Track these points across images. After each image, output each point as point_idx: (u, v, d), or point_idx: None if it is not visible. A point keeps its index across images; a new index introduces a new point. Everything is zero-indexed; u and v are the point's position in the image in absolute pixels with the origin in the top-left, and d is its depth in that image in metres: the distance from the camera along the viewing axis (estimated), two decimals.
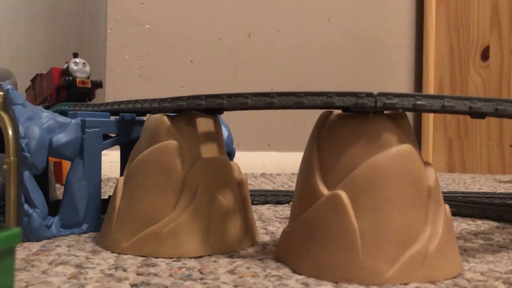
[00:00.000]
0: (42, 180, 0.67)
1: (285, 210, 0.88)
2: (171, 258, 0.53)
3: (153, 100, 0.61)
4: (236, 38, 1.76)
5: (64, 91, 0.89)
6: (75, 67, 0.92)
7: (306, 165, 0.52)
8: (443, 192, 0.93)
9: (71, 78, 0.89)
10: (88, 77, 0.93)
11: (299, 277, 0.47)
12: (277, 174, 1.68)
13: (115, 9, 1.56)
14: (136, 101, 0.64)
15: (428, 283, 0.45)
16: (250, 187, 1.23)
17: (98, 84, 0.93)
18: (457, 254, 0.50)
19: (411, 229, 0.46)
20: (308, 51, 1.91)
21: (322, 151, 0.51)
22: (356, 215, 0.46)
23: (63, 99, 0.91)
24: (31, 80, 1.06)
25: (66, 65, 0.94)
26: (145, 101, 0.62)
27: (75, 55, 0.95)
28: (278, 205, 0.94)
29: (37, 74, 1.01)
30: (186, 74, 1.69)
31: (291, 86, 1.84)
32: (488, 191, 1.25)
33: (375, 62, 2.04)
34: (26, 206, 0.60)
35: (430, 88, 2.07)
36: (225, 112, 0.64)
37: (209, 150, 0.58)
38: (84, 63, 0.93)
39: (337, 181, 0.48)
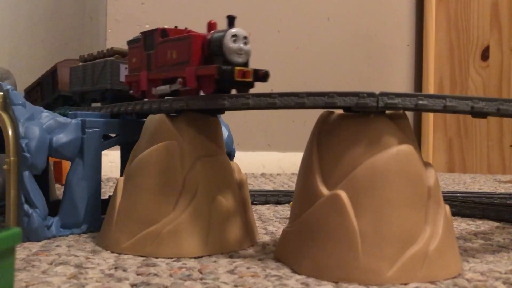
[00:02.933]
0: (42, 180, 0.67)
1: (285, 210, 0.88)
2: (171, 258, 0.53)
3: (154, 101, 0.61)
4: None
5: (213, 84, 0.56)
6: (233, 45, 0.55)
7: (306, 165, 0.52)
8: (443, 192, 0.93)
9: (229, 68, 0.54)
10: (247, 63, 0.57)
11: (299, 277, 0.47)
12: (277, 174, 1.68)
13: (115, 9, 1.56)
14: (137, 103, 0.64)
15: (428, 283, 0.45)
16: (250, 187, 1.23)
17: (263, 77, 0.57)
18: (457, 254, 0.50)
19: (411, 229, 0.46)
20: (308, 51, 1.91)
21: (322, 151, 0.51)
22: (356, 215, 0.46)
23: (209, 92, 0.57)
24: (142, 33, 0.65)
25: (217, 35, 0.57)
26: (145, 102, 0.62)
27: (231, 21, 0.57)
28: (278, 205, 0.94)
29: (158, 30, 0.62)
30: None
31: (291, 86, 1.84)
32: (488, 191, 1.24)
33: (375, 62, 2.04)
34: (26, 206, 0.59)
35: (430, 88, 2.07)
36: (225, 112, 0.64)
37: (209, 150, 0.58)
38: (245, 39, 0.56)
39: (337, 181, 0.48)
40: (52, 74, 0.93)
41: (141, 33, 0.65)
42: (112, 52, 0.75)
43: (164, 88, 0.61)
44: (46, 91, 0.97)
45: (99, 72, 0.75)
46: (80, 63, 0.81)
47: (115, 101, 0.73)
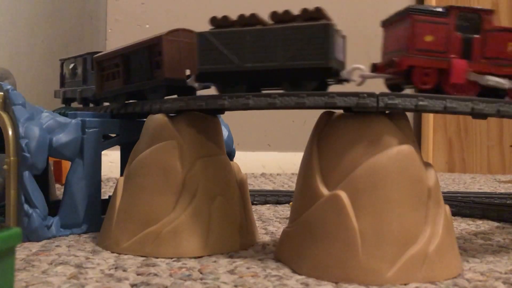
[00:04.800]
0: (42, 180, 0.67)
1: (285, 210, 0.88)
2: (171, 258, 0.53)
3: (154, 101, 0.61)
4: None
5: None
6: None
7: (306, 165, 0.52)
8: (443, 192, 0.93)
9: None
10: None
11: (299, 277, 0.47)
12: (277, 174, 1.68)
13: (115, 9, 1.56)
14: (136, 103, 0.64)
15: (428, 283, 0.45)
16: (250, 187, 1.23)
17: None
18: (457, 254, 0.50)
19: (411, 230, 0.46)
20: None
21: (322, 151, 0.51)
22: (356, 215, 0.46)
23: None
24: (454, 8, 0.51)
25: None
26: (145, 102, 0.62)
27: None
28: (278, 205, 0.94)
29: (491, 12, 0.52)
30: None
31: None
32: (488, 191, 1.24)
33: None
34: (26, 206, 0.59)
35: None
36: (225, 112, 0.63)
37: (209, 150, 0.58)
38: None
39: (337, 181, 0.48)
40: (149, 50, 0.62)
41: (451, 7, 0.51)
42: (317, 15, 0.52)
43: (502, 82, 0.51)
44: (137, 74, 0.65)
45: (300, 41, 0.51)
46: (223, 29, 0.56)
47: (321, 88, 0.53)
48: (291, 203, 0.59)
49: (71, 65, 0.85)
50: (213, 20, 0.56)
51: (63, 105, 0.88)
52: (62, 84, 0.89)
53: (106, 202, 0.64)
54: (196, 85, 0.60)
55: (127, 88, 0.66)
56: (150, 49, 0.62)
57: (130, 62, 0.66)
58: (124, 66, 0.66)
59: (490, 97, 0.50)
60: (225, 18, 0.55)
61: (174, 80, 0.61)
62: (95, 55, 0.71)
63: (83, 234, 0.64)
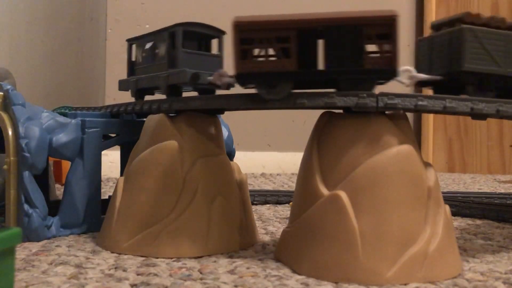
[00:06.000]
0: (42, 180, 0.67)
1: (285, 210, 0.88)
2: (171, 258, 0.53)
3: (153, 101, 0.61)
4: None
5: None
6: None
7: (306, 165, 0.52)
8: (443, 192, 0.93)
9: None
10: None
11: (299, 277, 0.47)
12: (277, 174, 1.68)
13: (115, 9, 1.56)
14: (136, 103, 0.64)
15: (428, 283, 0.45)
16: (250, 187, 1.23)
17: None
18: (457, 254, 0.50)
19: (411, 230, 0.46)
20: None
21: (322, 151, 0.51)
22: (356, 215, 0.46)
23: None
24: None
25: None
26: (145, 102, 0.62)
27: None
28: (278, 205, 0.94)
29: None
30: None
31: None
32: (488, 191, 1.24)
33: None
34: (26, 206, 0.60)
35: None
36: (225, 112, 0.63)
37: (209, 150, 0.58)
38: None
39: (337, 181, 0.48)
40: (359, 28, 0.48)
41: None
42: None
43: None
44: (329, 56, 0.49)
45: None
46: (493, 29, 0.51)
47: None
48: (291, 203, 0.59)
49: (148, 45, 0.63)
50: (467, 17, 0.50)
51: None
52: (131, 71, 0.67)
53: (106, 202, 0.64)
54: (405, 81, 0.50)
55: (303, 74, 0.49)
56: (362, 28, 0.48)
57: (317, 40, 0.50)
58: (297, 44, 0.50)
59: None
60: (478, 16, 0.51)
61: (395, 72, 0.49)
62: (235, 18, 0.52)
63: (83, 234, 0.64)
